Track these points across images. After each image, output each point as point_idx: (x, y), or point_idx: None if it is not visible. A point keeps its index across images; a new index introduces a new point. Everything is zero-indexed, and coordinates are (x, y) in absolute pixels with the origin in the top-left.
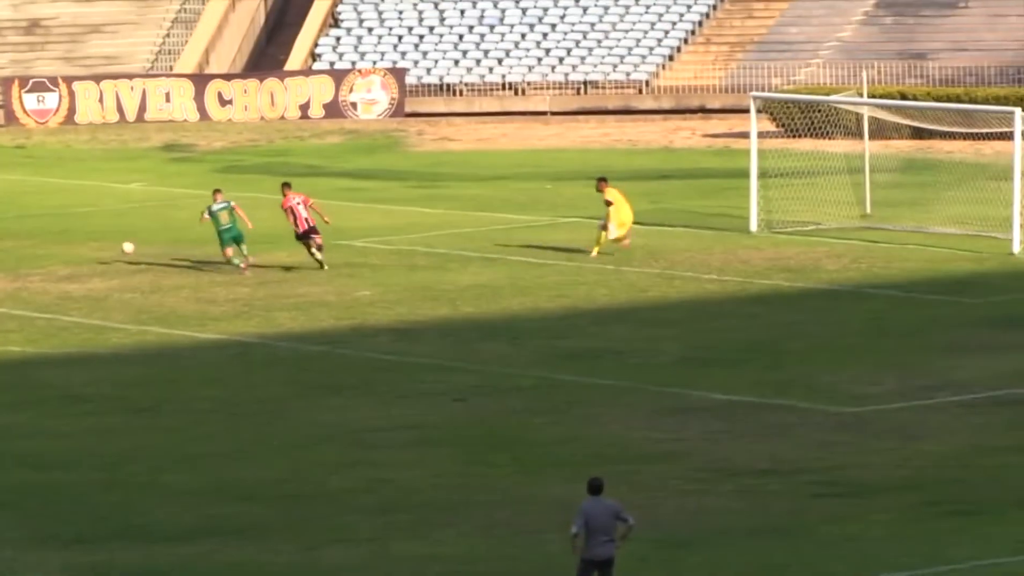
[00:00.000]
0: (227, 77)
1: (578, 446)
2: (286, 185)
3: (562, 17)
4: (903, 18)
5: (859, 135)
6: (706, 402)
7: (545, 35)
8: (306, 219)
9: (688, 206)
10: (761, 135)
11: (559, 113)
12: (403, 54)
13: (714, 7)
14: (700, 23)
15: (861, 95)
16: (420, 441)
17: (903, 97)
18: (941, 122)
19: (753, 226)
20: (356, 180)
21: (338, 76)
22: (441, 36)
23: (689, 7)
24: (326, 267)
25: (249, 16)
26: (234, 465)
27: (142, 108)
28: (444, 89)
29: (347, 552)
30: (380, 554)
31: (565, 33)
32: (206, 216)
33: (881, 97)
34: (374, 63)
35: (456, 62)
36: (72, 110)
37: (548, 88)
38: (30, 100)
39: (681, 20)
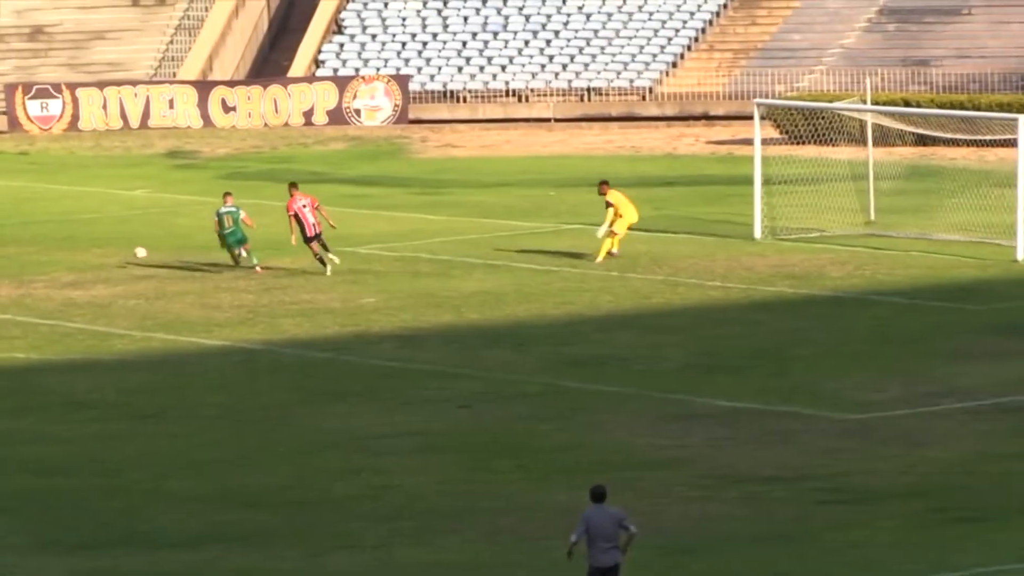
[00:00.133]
0: (231, 84)
1: (583, 453)
2: (293, 185)
3: (566, 24)
4: (907, 25)
5: (863, 142)
6: (710, 409)
7: (549, 42)
8: (313, 224)
9: (692, 213)
10: (765, 142)
11: (563, 120)
12: (407, 60)
13: (717, 14)
14: (704, 30)
15: (865, 102)
16: (425, 448)
17: (907, 104)
18: (945, 129)
19: (757, 233)
20: (360, 187)
21: (342, 83)
22: (445, 43)
23: (692, 14)
24: (337, 261)
25: (252, 22)
26: (239, 472)
27: (146, 115)
28: (448, 96)
29: (352, 559)
30: (385, 561)
31: (569, 40)
32: (215, 219)
33: (885, 104)
34: (378, 69)
35: (460, 69)
36: (76, 117)
37: (552, 95)
38: (34, 107)
39: (685, 27)
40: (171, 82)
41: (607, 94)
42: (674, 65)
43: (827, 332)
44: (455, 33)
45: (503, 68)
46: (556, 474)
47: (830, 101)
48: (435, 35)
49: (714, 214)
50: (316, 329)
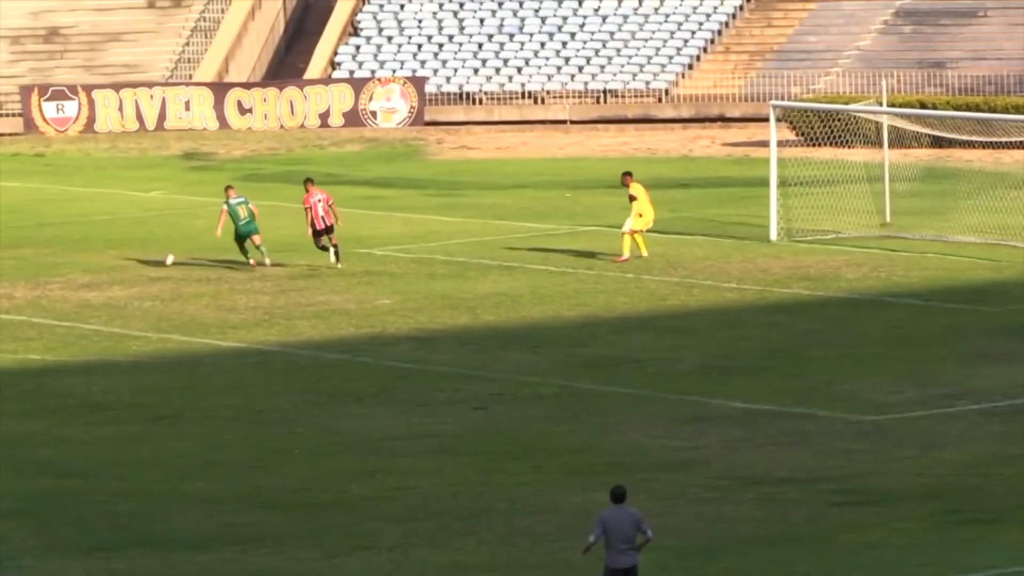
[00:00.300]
0: (247, 86)
1: (597, 454)
2: (309, 181)
3: (582, 26)
4: (922, 27)
5: (879, 144)
6: (725, 410)
7: (565, 44)
8: (323, 218)
9: (708, 215)
10: (781, 144)
11: (579, 122)
12: (423, 63)
13: (733, 16)
14: (720, 32)
15: (881, 104)
16: (440, 449)
17: (922, 106)
18: (961, 131)
19: (773, 235)
20: (375, 188)
21: (358, 85)
22: (461, 45)
23: (709, 16)
24: (340, 264)
25: (269, 24)
26: (254, 473)
27: (162, 116)
28: (464, 98)
29: (368, 560)
30: (400, 562)
31: (585, 42)
32: (224, 209)
33: (900, 106)
34: (394, 72)
35: (476, 71)
36: (92, 118)
37: (568, 97)
38: (49, 108)
39: (701, 29)
40: (187, 84)
41: (623, 96)
42: (690, 67)
43: (842, 334)
44: (471, 35)
45: (519, 70)
46: (571, 476)
47: (846, 103)
48: (451, 37)
49: (730, 216)
50: (331, 331)
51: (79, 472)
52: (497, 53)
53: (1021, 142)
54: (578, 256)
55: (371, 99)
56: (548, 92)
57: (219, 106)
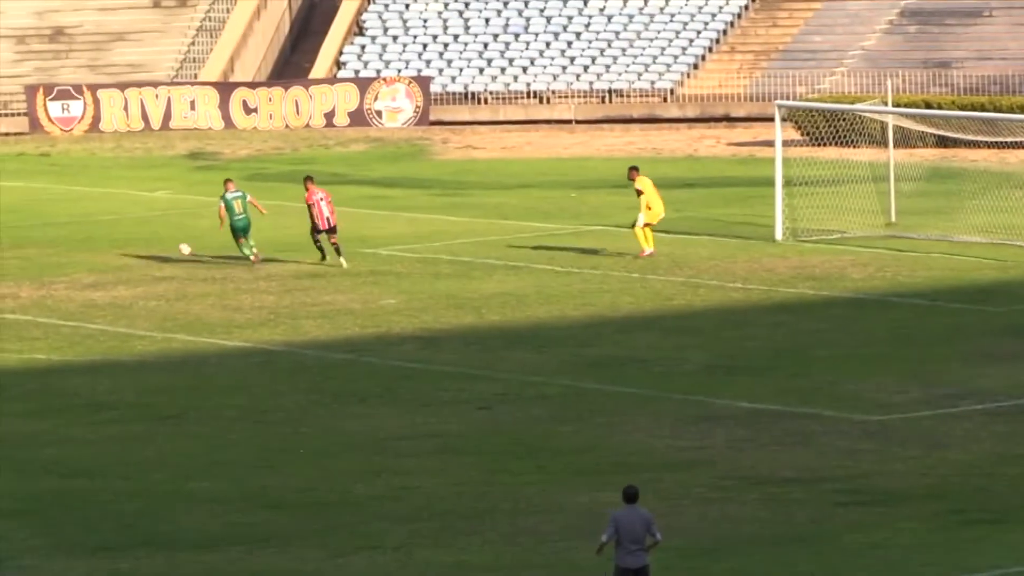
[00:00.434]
0: (252, 85)
1: (602, 454)
2: (308, 179)
3: (587, 25)
4: (927, 27)
5: (884, 143)
6: (731, 410)
7: (570, 43)
8: (327, 218)
9: (713, 214)
10: (786, 143)
11: (584, 121)
12: (428, 62)
13: (739, 16)
14: (725, 31)
15: (886, 104)
16: (445, 449)
17: (928, 106)
18: (966, 131)
19: (778, 235)
20: (381, 188)
21: (363, 84)
22: (466, 44)
23: (714, 16)
24: (345, 265)
25: (274, 24)
26: (259, 473)
27: (167, 116)
28: (469, 97)
29: (372, 560)
30: (405, 562)
31: (590, 41)
32: (222, 205)
33: (906, 106)
34: (399, 71)
35: (481, 70)
36: (97, 118)
37: (573, 96)
38: (55, 108)
39: (706, 28)
40: (192, 83)
41: (628, 96)
42: (695, 67)
43: (848, 334)
44: (476, 35)
45: (524, 70)
46: (576, 476)
47: (851, 103)
48: (456, 36)
49: (735, 216)
50: (336, 330)
51: (84, 472)
52: (502, 53)
53: None
54: (583, 256)
55: (376, 99)
56: (553, 92)
57: (224, 106)
